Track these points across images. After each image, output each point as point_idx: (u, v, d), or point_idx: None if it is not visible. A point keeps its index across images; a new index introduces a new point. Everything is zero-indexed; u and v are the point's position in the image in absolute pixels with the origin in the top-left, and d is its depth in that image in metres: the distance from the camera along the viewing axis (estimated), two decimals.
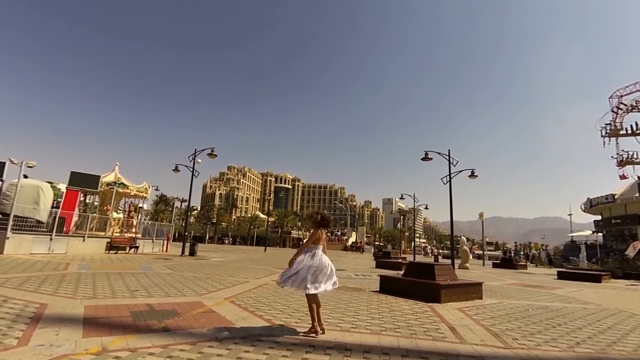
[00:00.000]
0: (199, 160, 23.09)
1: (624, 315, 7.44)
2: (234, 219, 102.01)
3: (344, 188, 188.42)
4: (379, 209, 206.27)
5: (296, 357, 3.64)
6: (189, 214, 35.34)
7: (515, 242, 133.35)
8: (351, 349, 4.03)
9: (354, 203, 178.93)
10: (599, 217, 48.59)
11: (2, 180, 17.71)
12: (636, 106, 32.32)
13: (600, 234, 47.60)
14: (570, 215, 56.55)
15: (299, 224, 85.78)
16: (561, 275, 18.30)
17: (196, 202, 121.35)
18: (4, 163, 17.68)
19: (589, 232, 50.01)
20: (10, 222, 14.27)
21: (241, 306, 6.25)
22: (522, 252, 57.43)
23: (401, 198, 41.79)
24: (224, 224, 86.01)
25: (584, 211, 50.24)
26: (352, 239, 71.10)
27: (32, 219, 15.84)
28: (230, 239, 72.07)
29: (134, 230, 23.50)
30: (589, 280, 16.44)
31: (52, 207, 17.72)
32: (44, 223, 16.47)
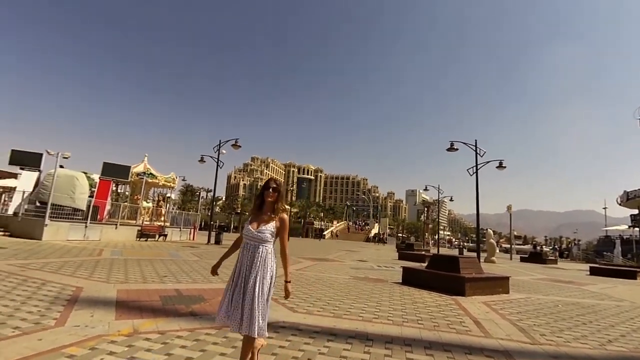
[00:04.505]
0: (224, 151, 23.50)
1: None
2: None
3: (366, 179, 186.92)
4: (402, 201, 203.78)
5: (318, 345, 3.68)
6: (214, 203, 36.16)
7: (546, 236, 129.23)
8: (373, 339, 4.04)
9: (377, 194, 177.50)
10: (636, 212, 46.13)
11: (39, 171, 18.64)
12: None
13: (637, 228, 45.27)
14: (605, 208, 54.04)
15: (322, 214, 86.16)
16: (594, 271, 17.57)
17: (221, 193, 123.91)
18: (41, 154, 18.58)
19: (625, 227, 47.72)
20: (48, 210, 15.02)
21: None
22: (552, 247, 55.56)
23: (425, 189, 41.07)
24: (247, 213, 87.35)
25: (620, 205, 47.77)
26: (374, 230, 70.79)
27: (68, 207, 16.60)
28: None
29: (162, 218, 24.32)
30: (624, 276, 15.77)
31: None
32: (80, 211, 17.19)
